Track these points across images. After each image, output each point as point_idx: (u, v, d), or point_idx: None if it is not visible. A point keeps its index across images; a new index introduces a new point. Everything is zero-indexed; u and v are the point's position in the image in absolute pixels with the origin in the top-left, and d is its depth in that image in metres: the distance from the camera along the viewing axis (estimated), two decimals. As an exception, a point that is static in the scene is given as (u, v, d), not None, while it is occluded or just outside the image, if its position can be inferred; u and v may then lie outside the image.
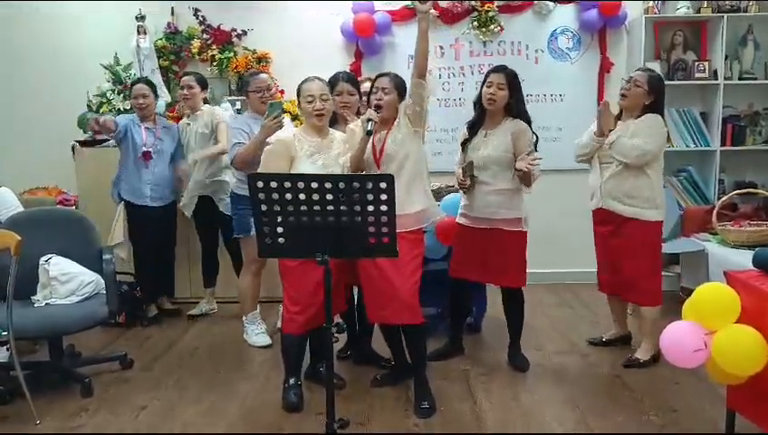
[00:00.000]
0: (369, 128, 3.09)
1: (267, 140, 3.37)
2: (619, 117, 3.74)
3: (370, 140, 3.20)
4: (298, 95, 3.27)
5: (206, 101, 4.67)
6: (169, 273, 4.92)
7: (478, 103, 3.64)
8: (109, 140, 4.93)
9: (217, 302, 4.91)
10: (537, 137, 3.58)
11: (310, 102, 3.18)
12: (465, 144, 3.67)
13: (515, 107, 3.56)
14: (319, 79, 3.28)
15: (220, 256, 4.83)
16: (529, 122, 3.57)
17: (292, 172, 3.08)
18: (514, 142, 3.51)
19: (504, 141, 3.53)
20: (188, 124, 4.62)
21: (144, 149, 4.46)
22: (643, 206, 3.62)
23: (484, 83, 3.58)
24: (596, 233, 3.88)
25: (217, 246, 4.77)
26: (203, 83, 4.59)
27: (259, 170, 3.21)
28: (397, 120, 3.28)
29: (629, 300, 3.95)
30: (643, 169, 3.60)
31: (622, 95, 3.67)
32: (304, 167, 3.12)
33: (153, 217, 4.55)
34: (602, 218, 3.79)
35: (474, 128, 3.66)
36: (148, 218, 4.53)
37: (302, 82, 3.26)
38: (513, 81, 3.53)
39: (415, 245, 3.25)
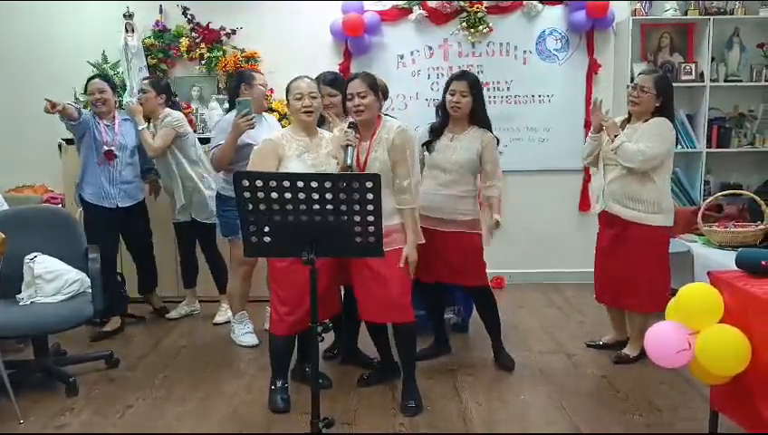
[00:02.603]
0: (348, 162, 3.03)
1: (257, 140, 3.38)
2: (628, 120, 3.74)
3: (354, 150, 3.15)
4: (287, 93, 3.27)
5: (175, 105, 4.55)
6: (152, 269, 4.77)
7: (442, 109, 3.65)
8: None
9: (201, 301, 4.88)
10: (498, 140, 3.67)
11: (298, 99, 3.18)
12: (428, 146, 3.64)
13: (478, 112, 3.60)
14: (308, 77, 3.29)
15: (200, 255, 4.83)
16: (490, 127, 3.64)
17: (280, 171, 3.07)
18: (483, 151, 3.57)
19: (473, 147, 3.58)
20: (149, 130, 4.39)
21: (106, 148, 4.23)
22: (646, 210, 3.62)
23: (446, 91, 3.59)
24: (600, 237, 3.87)
25: (195, 245, 4.71)
26: (159, 88, 4.42)
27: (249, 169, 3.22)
28: (380, 132, 3.22)
29: (631, 307, 3.83)
30: (648, 174, 3.59)
31: (633, 102, 3.65)
32: (294, 165, 3.11)
33: (123, 219, 4.36)
34: (607, 222, 3.80)
35: (436, 131, 3.65)
36: (116, 221, 4.32)
37: (292, 81, 3.27)
38: (475, 87, 3.56)
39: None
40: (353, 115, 3.21)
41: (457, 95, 3.54)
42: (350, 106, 3.22)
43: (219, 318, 4.64)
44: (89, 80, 4.37)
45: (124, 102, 4.78)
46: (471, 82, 3.55)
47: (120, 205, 4.31)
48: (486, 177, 3.64)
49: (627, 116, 3.77)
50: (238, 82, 4.11)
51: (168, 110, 4.41)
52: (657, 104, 3.60)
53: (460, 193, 3.60)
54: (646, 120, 3.64)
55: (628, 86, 3.81)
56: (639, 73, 3.78)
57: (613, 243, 3.76)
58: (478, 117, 3.61)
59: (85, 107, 4.49)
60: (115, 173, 4.29)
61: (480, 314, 3.87)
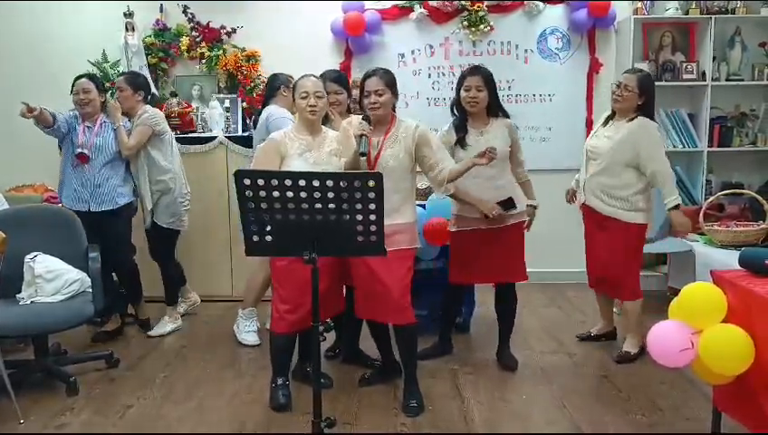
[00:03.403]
0: (362, 149, 3.05)
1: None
2: (611, 117, 3.82)
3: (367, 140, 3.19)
4: (293, 91, 3.27)
5: (153, 102, 4.44)
6: (133, 285, 4.43)
7: (458, 105, 3.63)
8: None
9: (204, 301, 4.88)
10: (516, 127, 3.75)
11: (304, 99, 3.18)
12: (461, 143, 3.57)
13: (495, 105, 3.61)
14: (314, 76, 3.29)
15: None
16: (508, 117, 3.67)
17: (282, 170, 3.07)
18: (511, 138, 3.62)
19: (504, 137, 3.59)
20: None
21: (78, 150, 4.04)
22: (622, 207, 3.70)
23: (460, 87, 3.58)
24: (585, 227, 3.97)
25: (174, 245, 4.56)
26: (136, 85, 4.27)
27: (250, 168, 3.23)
28: (395, 131, 3.24)
29: (612, 295, 4.04)
30: (628, 170, 3.67)
31: (616, 100, 3.73)
32: (296, 164, 3.12)
33: (99, 224, 4.07)
34: (587, 213, 3.90)
35: (461, 128, 3.62)
36: (93, 225, 3.96)
37: (298, 79, 3.27)
38: (489, 80, 3.56)
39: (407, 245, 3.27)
40: (368, 111, 3.21)
41: (473, 90, 3.53)
42: (366, 103, 3.22)
43: (157, 330, 4.38)
44: (76, 79, 4.18)
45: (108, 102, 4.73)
46: (485, 76, 3.55)
47: (92, 209, 4.09)
48: (517, 163, 3.70)
49: (610, 113, 3.84)
50: (278, 84, 4.12)
51: (146, 107, 4.28)
52: (640, 102, 3.69)
53: (507, 184, 3.59)
54: (630, 120, 3.70)
55: (612, 84, 3.86)
56: (623, 73, 3.86)
57: (594, 234, 3.85)
58: (496, 108, 3.62)
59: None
60: (89, 176, 4.08)
61: (498, 310, 3.83)
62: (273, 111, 4.01)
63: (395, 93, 3.27)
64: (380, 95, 3.19)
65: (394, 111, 3.33)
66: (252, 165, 3.26)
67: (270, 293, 4.15)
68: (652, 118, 3.76)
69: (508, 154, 3.62)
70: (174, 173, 4.31)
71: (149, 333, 4.35)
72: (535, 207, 3.78)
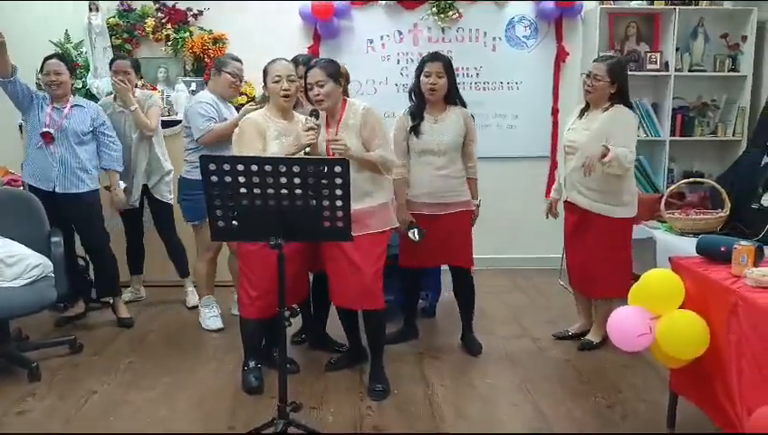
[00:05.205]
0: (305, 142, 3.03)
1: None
2: (586, 108, 3.73)
3: (322, 134, 3.15)
4: (265, 75, 3.23)
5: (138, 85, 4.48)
6: (106, 272, 4.28)
7: (417, 92, 3.63)
8: None
9: (171, 286, 4.84)
10: (473, 117, 3.72)
11: (276, 82, 3.15)
12: (415, 130, 3.59)
13: (453, 93, 3.62)
14: (286, 60, 3.27)
15: (159, 241, 4.72)
16: (465, 105, 3.69)
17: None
18: (467, 130, 3.63)
19: (458, 127, 3.60)
20: (122, 112, 4.30)
21: (43, 129, 3.91)
22: (604, 200, 3.61)
23: (420, 73, 3.58)
24: (565, 225, 3.89)
25: (143, 231, 4.68)
26: (137, 68, 4.38)
27: (234, 152, 3.19)
28: (346, 118, 3.19)
29: (596, 295, 3.86)
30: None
31: (587, 91, 3.65)
32: (271, 148, 3.10)
33: (64, 207, 3.99)
34: (570, 210, 3.81)
35: (417, 115, 3.63)
36: (57, 207, 3.92)
37: (270, 63, 3.24)
38: (449, 67, 3.57)
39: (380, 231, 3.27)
40: (315, 105, 3.18)
41: (433, 76, 3.53)
42: (311, 96, 3.18)
43: (192, 300, 4.61)
44: (46, 59, 4.05)
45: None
46: (445, 63, 3.55)
47: (57, 190, 3.96)
48: (468, 157, 3.69)
49: (584, 104, 3.76)
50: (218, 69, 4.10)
51: (141, 91, 4.43)
52: (612, 91, 3.60)
53: (455, 174, 3.63)
54: (605, 110, 3.61)
55: (582, 74, 3.82)
56: (593, 61, 3.78)
57: (576, 231, 3.78)
58: (454, 97, 3.63)
59: (40, 88, 4.26)
60: (54, 156, 3.95)
61: (457, 296, 3.88)
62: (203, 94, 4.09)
63: (338, 82, 3.16)
64: (322, 86, 3.10)
65: (347, 95, 3.29)
66: (234, 148, 3.20)
67: (222, 277, 4.29)
68: (629, 105, 3.66)
69: (460, 145, 3.63)
70: (164, 151, 4.56)
71: (189, 305, 4.61)
72: (478, 206, 3.79)
